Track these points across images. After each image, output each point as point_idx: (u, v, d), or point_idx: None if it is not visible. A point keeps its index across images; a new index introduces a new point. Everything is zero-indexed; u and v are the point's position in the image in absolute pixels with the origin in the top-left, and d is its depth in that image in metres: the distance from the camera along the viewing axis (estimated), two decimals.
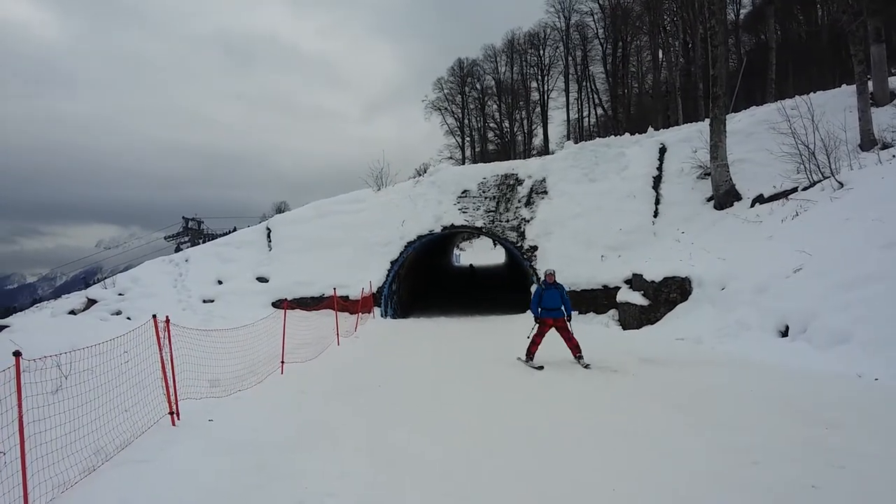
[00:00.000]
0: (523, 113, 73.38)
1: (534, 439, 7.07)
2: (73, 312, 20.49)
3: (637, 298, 16.94)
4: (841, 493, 5.09)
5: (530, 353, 11.82)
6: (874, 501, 5.00)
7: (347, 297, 19.90)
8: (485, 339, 16.12)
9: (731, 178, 19.37)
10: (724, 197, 19.22)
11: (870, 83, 19.65)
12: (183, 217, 55.02)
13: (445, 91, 76.44)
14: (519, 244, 22.21)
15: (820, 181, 15.58)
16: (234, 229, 38.31)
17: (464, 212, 23.49)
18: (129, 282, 22.19)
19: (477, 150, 75.53)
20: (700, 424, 7.22)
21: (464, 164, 63.23)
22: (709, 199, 20.20)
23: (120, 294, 21.25)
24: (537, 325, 11.99)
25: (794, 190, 16.44)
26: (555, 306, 11.81)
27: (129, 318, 18.80)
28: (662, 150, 23.67)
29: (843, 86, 23.68)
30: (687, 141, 23.32)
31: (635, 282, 17.48)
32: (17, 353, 5.59)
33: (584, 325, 17.59)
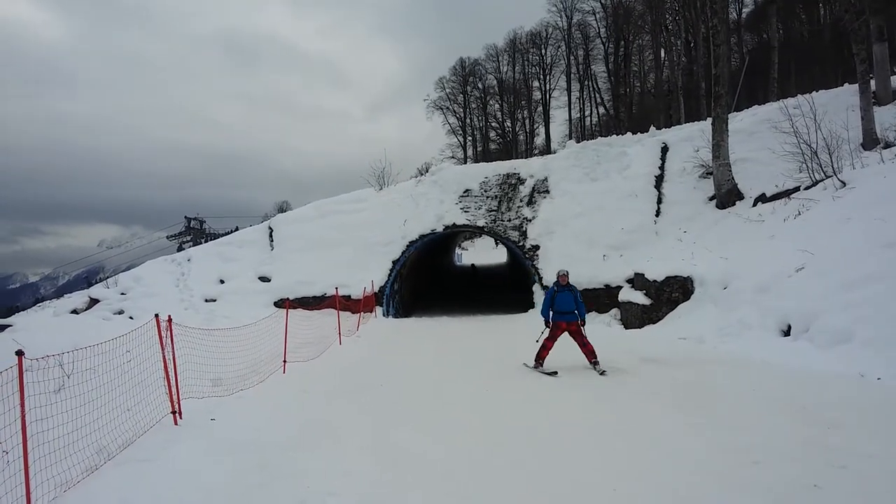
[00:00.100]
0: (525, 112, 73.41)
1: (534, 439, 7.08)
2: (75, 312, 20.52)
3: (639, 298, 16.93)
4: (842, 493, 5.09)
5: (540, 358, 11.18)
6: (875, 501, 5.00)
7: (349, 296, 19.91)
8: (486, 339, 16.12)
9: (733, 178, 19.34)
10: (727, 196, 19.20)
11: (872, 82, 19.59)
12: (185, 216, 55.18)
13: (447, 90, 76.58)
14: (521, 243, 22.20)
15: (822, 180, 15.55)
16: (236, 229, 38.38)
17: (465, 211, 23.49)
18: (132, 281, 22.22)
19: (479, 149, 75.55)
20: (701, 424, 7.22)
21: (465, 163, 63.18)
22: (711, 199, 20.17)
23: (122, 293, 21.28)
24: (548, 329, 11.34)
25: (797, 189, 16.41)
26: (568, 309, 11.12)
27: (131, 318, 18.83)
28: (664, 150, 23.64)
29: (846, 85, 23.67)
30: (689, 140, 23.29)
31: (637, 281, 17.47)
32: (19, 353, 5.61)
33: (586, 325, 17.60)
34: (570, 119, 69.13)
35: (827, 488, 5.17)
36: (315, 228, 24.39)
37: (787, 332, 11.31)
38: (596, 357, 10.88)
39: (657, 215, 20.94)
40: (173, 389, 7.91)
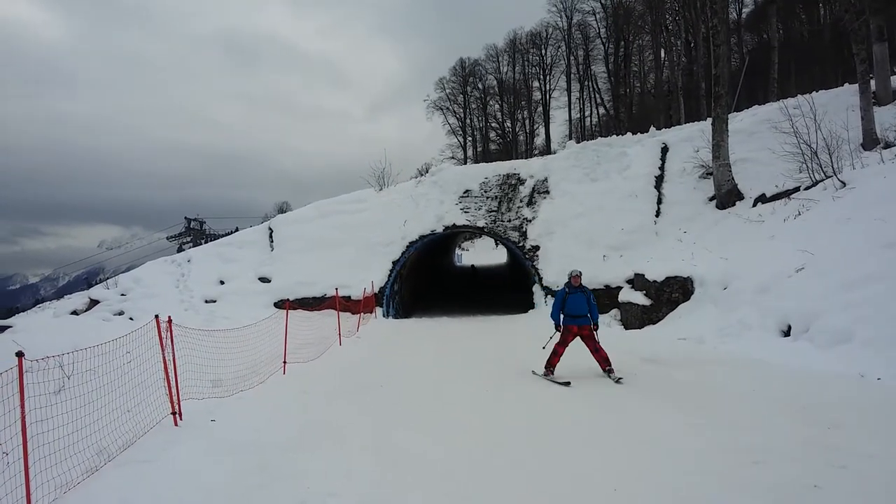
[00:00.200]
0: (525, 112, 73.44)
1: (534, 439, 7.08)
2: (75, 313, 20.53)
3: (639, 298, 16.93)
4: (842, 493, 5.08)
5: (551, 365, 10.55)
6: (875, 501, 5.00)
7: (349, 297, 19.92)
8: (487, 340, 16.12)
9: (733, 178, 19.34)
10: (727, 196, 19.20)
11: (872, 82, 19.59)
12: (185, 217, 55.18)
13: (447, 91, 76.64)
14: (521, 244, 22.20)
15: (822, 181, 15.55)
16: (237, 229, 38.36)
17: (466, 212, 23.49)
18: (132, 282, 22.22)
19: (479, 149, 75.59)
20: (701, 424, 7.22)
21: (466, 163, 63.22)
22: (711, 199, 20.18)
23: (122, 294, 21.28)
24: (558, 333, 10.74)
25: (797, 189, 16.41)
26: (580, 312, 10.48)
27: (131, 319, 18.84)
28: (664, 150, 23.65)
29: (846, 85, 23.67)
30: (689, 140, 23.30)
31: (637, 281, 17.47)
32: (19, 354, 5.61)
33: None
34: (570, 119, 69.22)
35: (827, 488, 5.17)
36: (315, 229, 24.39)
37: (787, 333, 11.31)
38: (610, 364, 10.25)
39: (657, 216, 20.95)
40: (173, 390, 7.91)
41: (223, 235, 38.55)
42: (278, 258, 23.27)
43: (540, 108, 71.75)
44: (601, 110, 65.79)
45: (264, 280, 22.25)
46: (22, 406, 5.39)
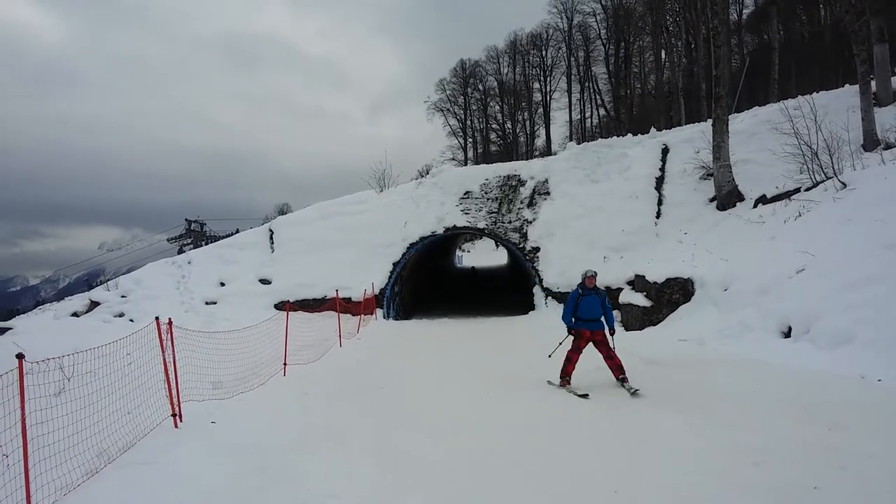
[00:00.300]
0: (526, 114, 73.48)
1: (535, 439, 7.08)
2: (75, 314, 20.53)
3: (639, 299, 16.91)
4: (843, 495, 5.08)
5: (566, 374, 9.78)
6: (876, 502, 4.99)
7: (350, 298, 19.91)
8: (487, 341, 16.12)
9: (733, 179, 19.33)
10: (727, 197, 19.19)
11: (873, 83, 19.58)
12: (185, 219, 55.24)
13: (448, 92, 76.68)
14: (521, 245, 22.20)
15: (823, 182, 15.54)
16: (237, 231, 38.38)
17: (466, 213, 23.49)
18: (132, 284, 22.22)
19: (479, 151, 75.62)
20: (702, 425, 7.21)
21: (466, 165, 63.27)
22: (711, 200, 20.16)
23: (122, 296, 21.28)
24: (570, 337, 10.01)
25: (797, 190, 16.41)
26: (594, 316, 9.76)
27: (131, 320, 18.83)
28: (665, 151, 23.64)
29: (846, 86, 23.65)
30: (689, 141, 23.29)
31: (638, 283, 17.45)
32: (19, 356, 5.61)
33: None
34: (571, 120, 69.22)
35: (827, 489, 5.16)
36: (315, 230, 24.39)
37: (787, 334, 11.30)
38: (624, 372, 9.48)
39: (658, 217, 20.93)
40: (174, 392, 7.91)
41: (224, 237, 38.60)
42: (279, 260, 23.27)
43: (540, 110, 71.82)
44: (602, 111, 65.86)
45: (265, 282, 22.24)
46: (22, 408, 5.39)
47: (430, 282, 31.84)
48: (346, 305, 18.93)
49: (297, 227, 24.94)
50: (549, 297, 19.96)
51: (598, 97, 65.26)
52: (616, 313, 18.01)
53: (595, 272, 10.00)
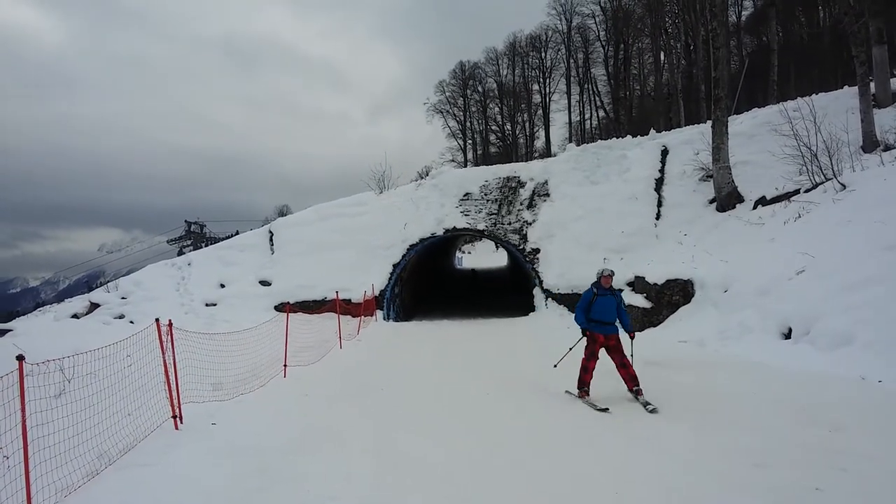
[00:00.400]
0: (525, 115, 73.47)
1: (535, 440, 7.08)
2: (75, 316, 20.51)
3: (639, 301, 16.91)
4: (843, 496, 5.08)
5: (584, 384, 9.04)
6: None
7: (350, 300, 19.91)
8: (487, 342, 16.12)
9: (733, 180, 19.34)
10: (727, 199, 19.20)
11: (872, 85, 19.59)
12: (185, 220, 55.29)
13: (447, 94, 76.70)
14: (521, 247, 22.20)
15: (822, 183, 15.56)
16: (237, 233, 38.42)
17: (466, 214, 23.50)
18: (132, 285, 22.21)
19: (479, 152, 75.62)
20: (702, 426, 7.21)
21: (466, 166, 63.27)
22: (711, 202, 20.17)
23: (123, 298, 21.27)
24: (582, 341, 9.39)
25: (797, 192, 16.42)
26: (609, 319, 9.03)
27: (131, 322, 18.82)
28: (664, 153, 23.65)
29: (845, 87, 23.66)
30: (689, 143, 23.30)
31: (637, 284, 17.46)
32: (20, 357, 5.62)
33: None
34: (570, 122, 69.25)
35: (828, 491, 5.17)
36: (315, 232, 24.40)
37: (787, 335, 11.30)
38: (638, 383, 8.73)
39: (657, 218, 20.94)
40: (174, 394, 7.91)
41: (223, 239, 38.56)
42: (279, 261, 23.28)
43: (540, 111, 71.82)
44: (601, 113, 65.87)
45: (265, 283, 22.24)
46: (23, 409, 5.39)
47: (430, 283, 31.84)
48: (346, 307, 18.93)
49: (297, 229, 24.95)
50: (549, 299, 19.96)
51: (597, 99, 65.34)
52: None
53: (612, 271, 9.26)
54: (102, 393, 7.14)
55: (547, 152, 63.33)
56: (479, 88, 76.00)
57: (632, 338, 9.08)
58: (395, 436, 7.58)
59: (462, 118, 76.89)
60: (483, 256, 55.02)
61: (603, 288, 9.10)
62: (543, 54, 70.39)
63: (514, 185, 24.21)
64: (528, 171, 24.78)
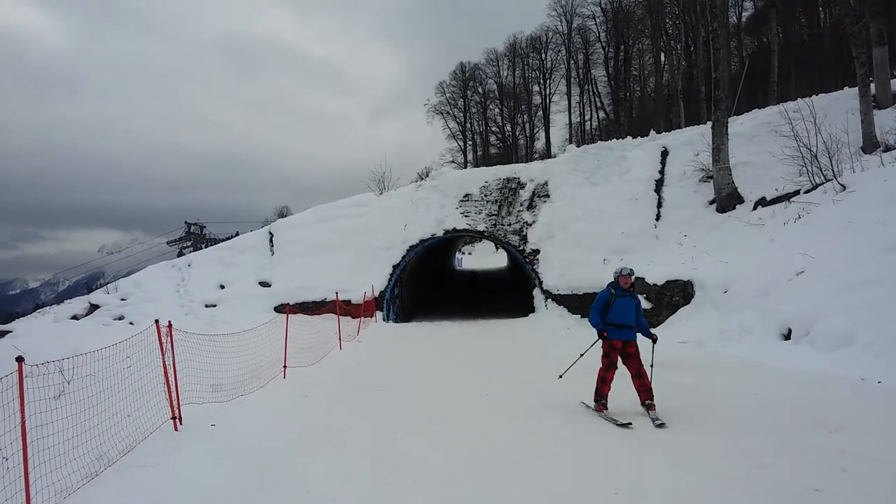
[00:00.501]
0: (525, 116, 73.50)
1: (535, 441, 7.08)
2: (75, 317, 20.50)
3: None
4: (844, 497, 5.08)
5: (602, 397, 8.27)
6: None
7: (350, 301, 19.90)
8: (487, 343, 16.12)
9: (733, 181, 19.34)
10: (727, 200, 19.20)
11: (872, 86, 19.59)
12: (185, 222, 55.31)
13: (447, 95, 76.71)
14: (521, 248, 22.20)
15: (822, 184, 15.56)
16: (237, 234, 38.45)
17: (466, 216, 23.49)
18: (132, 287, 22.20)
19: (479, 153, 75.65)
20: (703, 427, 7.21)
21: (466, 167, 63.29)
22: (711, 202, 20.17)
23: (122, 299, 21.26)
24: (598, 345, 8.61)
25: (797, 193, 16.42)
26: (629, 323, 8.22)
27: (131, 323, 18.81)
28: (664, 154, 23.65)
29: (846, 88, 23.67)
30: (689, 144, 23.30)
31: (637, 285, 17.31)
32: (19, 359, 5.62)
33: (586, 330, 17.55)
34: (571, 123, 69.27)
35: (829, 492, 5.16)
36: (315, 233, 24.40)
37: (787, 336, 11.30)
38: (652, 396, 7.92)
39: (657, 219, 20.93)
40: (173, 395, 7.91)
41: (223, 240, 38.57)
42: (279, 262, 23.27)
43: (540, 112, 71.83)
44: (601, 114, 65.89)
45: (265, 284, 22.23)
46: (22, 411, 5.39)
47: (430, 284, 31.83)
48: (345, 308, 18.92)
49: (297, 230, 24.95)
50: (549, 300, 19.95)
51: (597, 100, 65.36)
52: None
53: (631, 270, 8.45)
54: (102, 394, 7.14)
55: (547, 153, 63.35)
56: (480, 89, 76.09)
57: (654, 341, 8.34)
58: (395, 437, 7.58)
59: (462, 119, 76.96)
60: (483, 257, 55.00)
61: (622, 288, 8.34)
62: (544, 55, 70.48)
63: (514, 186, 24.21)
64: (528, 173, 24.78)
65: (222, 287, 22.30)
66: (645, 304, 16.61)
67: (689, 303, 15.52)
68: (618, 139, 29.57)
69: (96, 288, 28.03)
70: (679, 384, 9.65)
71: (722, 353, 12.06)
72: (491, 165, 35.44)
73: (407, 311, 24.28)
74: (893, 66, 22.09)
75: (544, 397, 9.39)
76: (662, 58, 53.31)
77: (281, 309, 19.32)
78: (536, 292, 20.84)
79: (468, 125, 77.12)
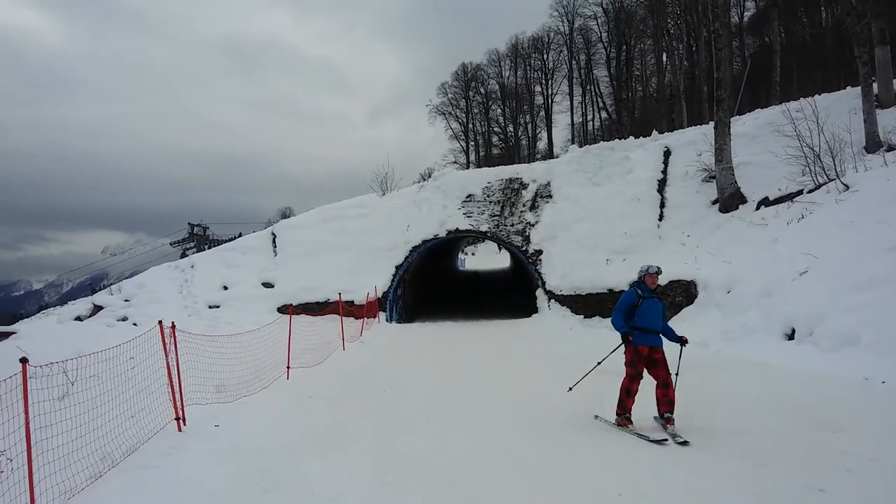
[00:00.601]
0: (527, 117, 73.46)
1: (537, 441, 7.07)
2: (79, 319, 20.55)
3: None
4: (847, 497, 5.06)
5: (626, 409, 7.42)
6: None
7: (352, 302, 19.92)
8: (490, 343, 16.12)
9: (735, 181, 19.32)
10: (729, 200, 19.18)
11: (875, 85, 19.56)
12: (188, 223, 55.42)
13: (450, 96, 76.67)
14: (524, 248, 22.19)
15: (825, 184, 15.54)
16: (240, 235, 38.49)
17: (469, 216, 23.50)
18: (135, 288, 22.26)
19: (481, 154, 75.62)
20: (705, 427, 7.19)
21: (468, 168, 63.30)
22: (714, 202, 20.15)
23: (126, 300, 21.31)
24: (624, 347, 7.67)
25: (800, 192, 16.40)
26: (656, 327, 7.51)
27: (135, 324, 18.84)
28: (667, 154, 23.63)
29: (848, 88, 23.63)
30: (691, 144, 23.28)
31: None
32: (23, 360, 5.63)
33: (589, 330, 17.59)
34: (573, 123, 69.22)
35: (832, 492, 5.15)
36: (318, 234, 24.43)
37: (791, 336, 11.29)
38: (673, 410, 7.17)
39: (660, 219, 20.91)
40: (177, 396, 7.92)
41: (227, 241, 38.62)
42: (281, 263, 23.30)
43: (542, 113, 71.78)
44: (603, 114, 65.83)
45: (268, 285, 22.27)
46: (26, 412, 5.40)
47: (433, 285, 31.84)
48: (348, 309, 18.93)
49: (300, 231, 24.99)
50: (552, 300, 19.94)
51: (599, 100, 65.29)
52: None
53: (659, 268, 7.85)
54: (106, 395, 7.15)
55: (549, 154, 63.33)
56: (482, 90, 76.07)
57: (684, 343, 7.55)
58: (398, 437, 7.58)
59: (464, 120, 76.89)
60: (486, 258, 54.98)
61: (648, 289, 7.72)
62: (545, 56, 70.43)
63: (516, 186, 24.21)
64: (531, 173, 24.78)
65: (225, 288, 22.34)
66: None
67: (692, 303, 15.51)
68: (620, 139, 29.55)
69: (100, 289, 28.09)
70: (682, 384, 9.59)
71: (725, 353, 12.05)
72: (493, 166, 35.45)
73: (410, 312, 24.29)
74: None
75: (546, 398, 9.38)
76: (664, 58, 53.32)
77: (284, 310, 19.35)
78: (539, 293, 20.84)
79: (470, 126, 77.12)
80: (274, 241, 24.91)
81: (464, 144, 76.99)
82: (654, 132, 28.34)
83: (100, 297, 22.19)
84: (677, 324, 15.20)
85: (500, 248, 47.98)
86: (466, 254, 57.45)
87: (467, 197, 24.05)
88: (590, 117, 68.09)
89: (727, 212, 19.14)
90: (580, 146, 29.00)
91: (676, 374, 7.44)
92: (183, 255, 43.88)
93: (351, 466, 6.49)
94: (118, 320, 19.89)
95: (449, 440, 7.35)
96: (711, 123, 22.13)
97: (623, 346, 7.61)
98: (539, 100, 71.88)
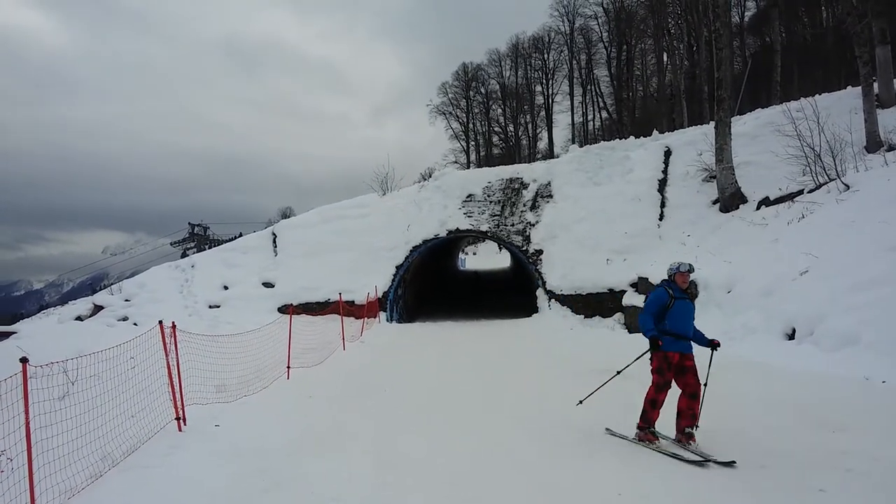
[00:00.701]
0: (528, 117, 73.47)
1: (538, 442, 7.08)
2: (79, 318, 20.57)
3: (643, 302, 16.87)
4: (848, 497, 5.07)
5: (650, 423, 6.78)
6: None
7: (353, 301, 19.92)
8: (490, 343, 16.12)
9: (736, 181, 19.31)
10: (730, 200, 19.17)
11: (875, 85, 19.54)
12: (189, 223, 55.42)
13: (450, 95, 76.67)
14: (524, 248, 22.20)
15: (826, 183, 15.52)
16: (240, 235, 38.51)
17: (469, 216, 23.50)
18: (136, 288, 22.28)
19: (482, 154, 75.63)
20: (706, 427, 7.18)
21: (469, 168, 63.29)
22: (714, 202, 20.13)
23: (126, 300, 21.32)
24: (648, 356, 6.96)
25: (800, 192, 16.38)
26: (688, 332, 6.89)
27: (135, 324, 18.85)
28: (667, 154, 23.62)
29: (849, 88, 23.61)
30: (692, 144, 23.27)
31: (641, 285, 17.42)
32: (24, 360, 5.63)
33: (589, 330, 17.59)
34: (573, 123, 69.24)
35: (832, 492, 5.15)
36: (318, 234, 24.44)
37: (791, 336, 11.27)
38: (693, 424, 6.60)
39: (660, 219, 20.90)
40: (177, 396, 7.92)
41: (227, 241, 38.62)
42: (282, 263, 23.31)
43: (542, 113, 71.80)
44: (604, 114, 65.84)
45: (268, 285, 22.28)
46: (26, 411, 5.40)
47: (434, 285, 31.84)
48: (349, 308, 18.94)
49: (300, 231, 25.00)
50: (553, 300, 19.94)
51: (600, 100, 65.31)
52: (619, 315, 18.04)
53: (691, 266, 7.14)
54: (106, 395, 7.15)
55: (550, 153, 63.32)
56: (482, 90, 76.07)
57: (716, 347, 6.98)
58: (398, 437, 7.59)
59: (465, 120, 76.91)
60: (486, 258, 54.97)
61: (680, 289, 7.03)
62: (546, 55, 70.43)
63: (517, 186, 24.21)
64: (531, 173, 24.78)
65: (226, 288, 22.35)
66: None
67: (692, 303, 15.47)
68: (621, 139, 29.57)
69: (100, 289, 28.11)
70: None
71: (725, 353, 11.92)
72: (494, 166, 35.45)
73: (410, 312, 24.30)
74: None
75: (547, 397, 9.39)
76: (665, 57, 53.29)
77: (284, 310, 19.36)
78: (539, 292, 20.84)
79: (471, 125, 77.13)
80: (274, 241, 24.91)
81: (464, 144, 77.06)
82: (655, 132, 28.34)
83: (100, 297, 22.21)
84: None
85: (500, 248, 48.00)
86: (467, 253, 57.44)
87: (468, 197, 24.05)
88: (590, 117, 68.16)
89: (728, 211, 19.13)
90: (581, 146, 29.01)
91: (705, 385, 6.81)
92: (183, 255, 43.89)
93: (351, 466, 6.50)
94: (118, 320, 19.90)
95: (449, 440, 7.36)
96: (712, 123, 22.12)
97: (650, 351, 6.86)
98: (539, 100, 71.94)
